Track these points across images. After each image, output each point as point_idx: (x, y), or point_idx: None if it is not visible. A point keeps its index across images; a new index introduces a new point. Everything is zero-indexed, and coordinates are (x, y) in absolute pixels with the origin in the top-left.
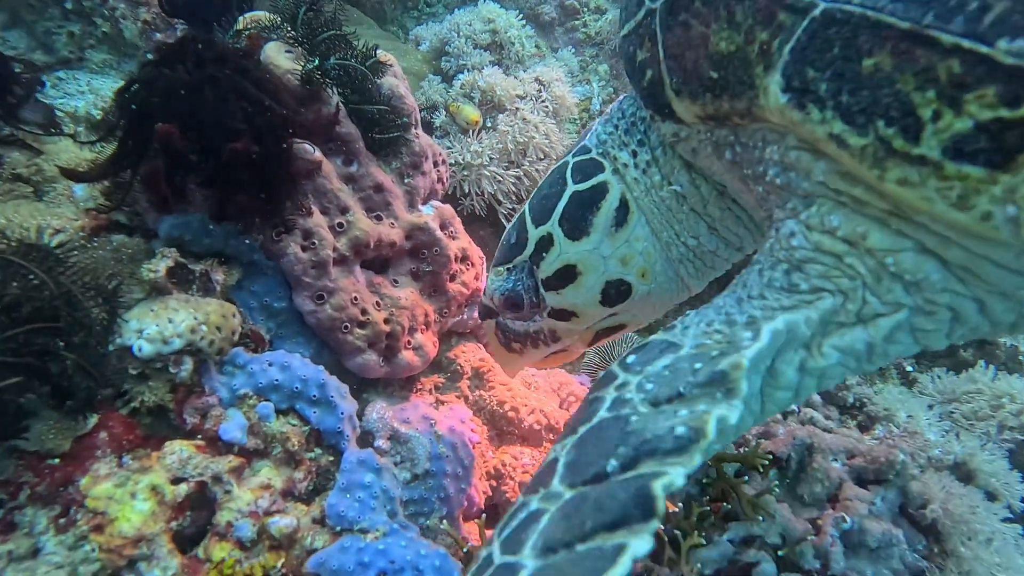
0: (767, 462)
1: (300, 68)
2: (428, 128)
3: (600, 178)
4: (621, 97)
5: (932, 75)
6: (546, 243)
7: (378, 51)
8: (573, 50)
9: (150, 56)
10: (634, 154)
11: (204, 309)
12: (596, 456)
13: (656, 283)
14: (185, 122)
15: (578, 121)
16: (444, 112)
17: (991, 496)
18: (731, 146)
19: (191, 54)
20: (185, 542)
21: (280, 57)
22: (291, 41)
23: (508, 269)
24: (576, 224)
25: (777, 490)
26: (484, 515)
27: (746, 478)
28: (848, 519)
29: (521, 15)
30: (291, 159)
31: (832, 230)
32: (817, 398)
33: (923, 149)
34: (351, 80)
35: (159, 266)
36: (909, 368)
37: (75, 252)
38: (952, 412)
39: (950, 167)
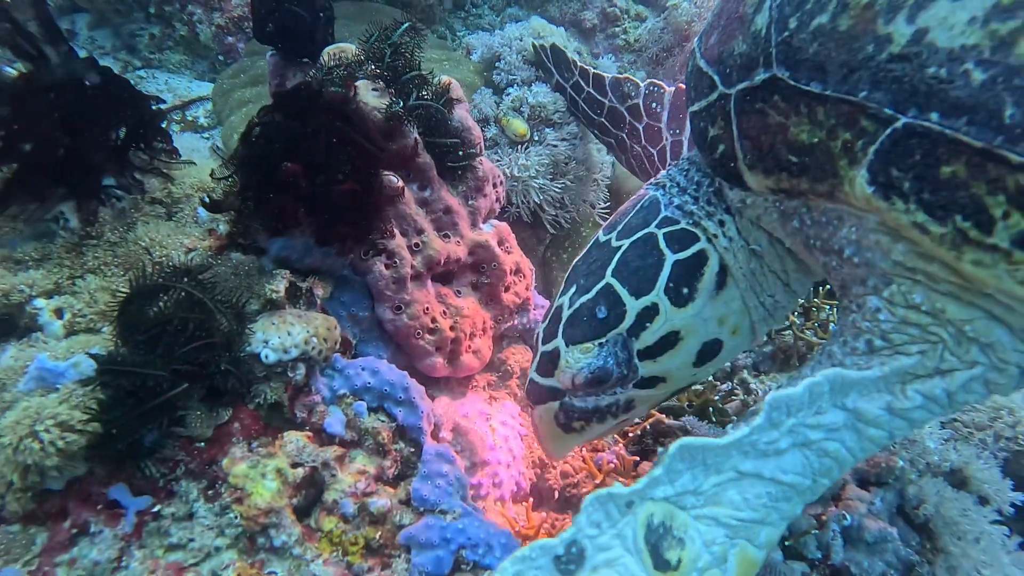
0: None
1: (385, 106)
2: None
3: (699, 246)
4: (675, 170)
5: (1001, 184)
6: (650, 313)
7: (451, 88)
8: (612, 57)
9: (269, 102)
10: (721, 223)
11: (314, 323)
12: None
13: (741, 337)
14: (302, 163)
15: None
16: (495, 124)
17: (983, 500)
18: (800, 216)
19: (302, 102)
20: (300, 515)
21: (368, 95)
22: (377, 79)
23: (600, 344)
24: (681, 292)
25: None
26: (531, 499)
27: None
28: (848, 516)
29: (565, 30)
30: (380, 190)
31: (916, 306)
32: None
33: (995, 240)
34: (429, 117)
35: (279, 286)
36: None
37: (211, 271)
38: (954, 421)
39: (1018, 254)
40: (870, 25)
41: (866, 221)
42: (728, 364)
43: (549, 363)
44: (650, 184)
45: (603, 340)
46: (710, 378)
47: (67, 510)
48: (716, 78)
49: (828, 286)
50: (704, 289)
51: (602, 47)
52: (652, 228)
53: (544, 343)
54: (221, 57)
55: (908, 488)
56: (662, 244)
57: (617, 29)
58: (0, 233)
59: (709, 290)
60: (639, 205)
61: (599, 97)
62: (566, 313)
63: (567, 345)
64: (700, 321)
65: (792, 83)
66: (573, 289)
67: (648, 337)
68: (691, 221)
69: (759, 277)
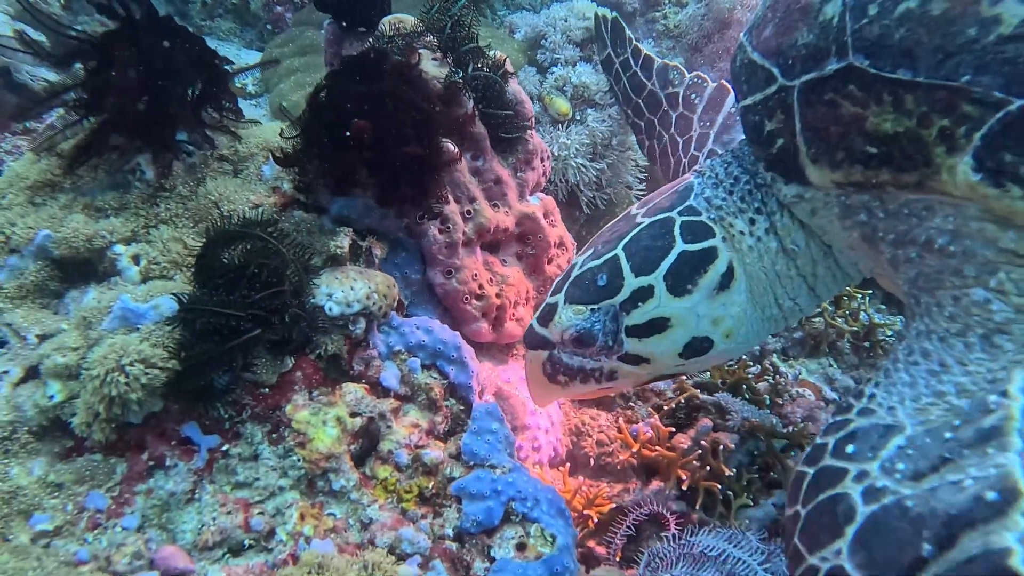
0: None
1: (445, 76)
2: None
3: (711, 243)
4: (717, 162)
5: None
6: (645, 293)
7: (506, 62)
8: (652, 42)
9: (334, 66)
10: (751, 222)
11: (375, 280)
12: (897, 550)
13: (735, 343)
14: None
15: None
16: (538, 102)
17: None
18: (869, 209)
19: (369, 67)
20: (356, 463)
21: (428, 64)
22: (436, 49)
23: (592, 309)
24: (680, 282)
25: None
26: (567, 464)
27: (792, 453)
28: None
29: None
30: (440, 155)
31: None
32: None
33: None
34: (486, 88)
35: (344, 243)
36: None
37: (280, 225)
38: None
39: None
40: (971, 7)
41: (966, 209)
42: (757, 347)
43: (547, 314)
44: (694, 170)
45: (596, 306)
46: (743, 357)
47: (145, 443)
48: (775, 70)
49: None
50: (704, 286)
51: (641, 31)
52: (673, 213)
53: (551, 294)
54: (269, 27)
55: None
56: (676, 231)
57: (658, 14)
58: (82, 182)
59: (709, 288)
60: (675, 188)
61: (643, 79)
62: (575, 272)
63: (565, 302)
64: (693, 316)
65: (873, 71)
66: (590, 252)
67: (638, 316)
68: (714, 216)
69: (783, 280)
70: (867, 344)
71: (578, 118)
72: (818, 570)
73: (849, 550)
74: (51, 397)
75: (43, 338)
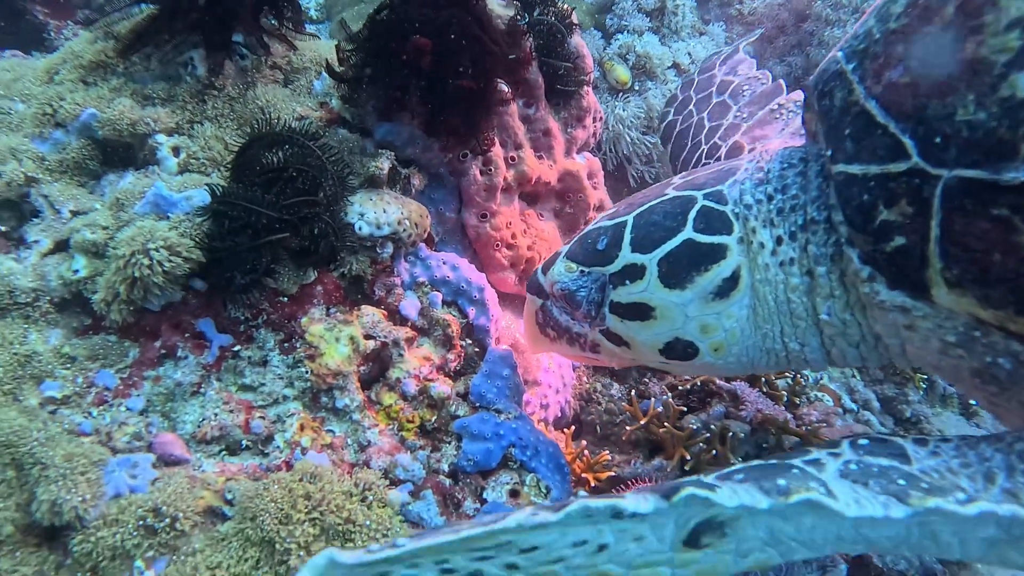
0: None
1: (510, 16)
2: None
3: (723, 239)
4: (781, 156)
5: None
6: (636, 272)
7: (572, 13)
8: (723, 25)
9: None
10: (779, 240)
11: (408, 207)
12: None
13: (724, 361)
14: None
15: None
16: (598, 68)
17: None
18: (1013, 355)
19: None
20: (363, 385)
21: (495, 3)
22: None
23: (582, 271)
24: (675, 273)
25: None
26: (572, 427)
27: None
28: None
29: None
30: (493, 94)
31: None
32: (877, 405)
33: None
34: (548, 35)
35: (384, 165)
36: (972, 401)
37: (323, 139)
38: None
39: None
40: None
41: None
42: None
43: (550, 262)
44: (751, 156)
45: (587, 269)
46: None
47: (159, 331)
48: (909, 143)
49: None
50: (701, 285)
51: (714, 14)
52: (699, 193)
53: (566, 244)
54: None
55: None
56: (692, 214)
57: None
58: (135, 69)
59: (706, 289)
60: (721, 167)
61: (718, 65)
62: (589, 227)
63: (563, 256)
64: (680, 314)
65: None
66: (613, 210)
67: (623, 294)
68: (740, 212)
69: (796, 319)
70: None
71: (636, 88)
72: None
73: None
74: (76, 271)
75: (76, 214)
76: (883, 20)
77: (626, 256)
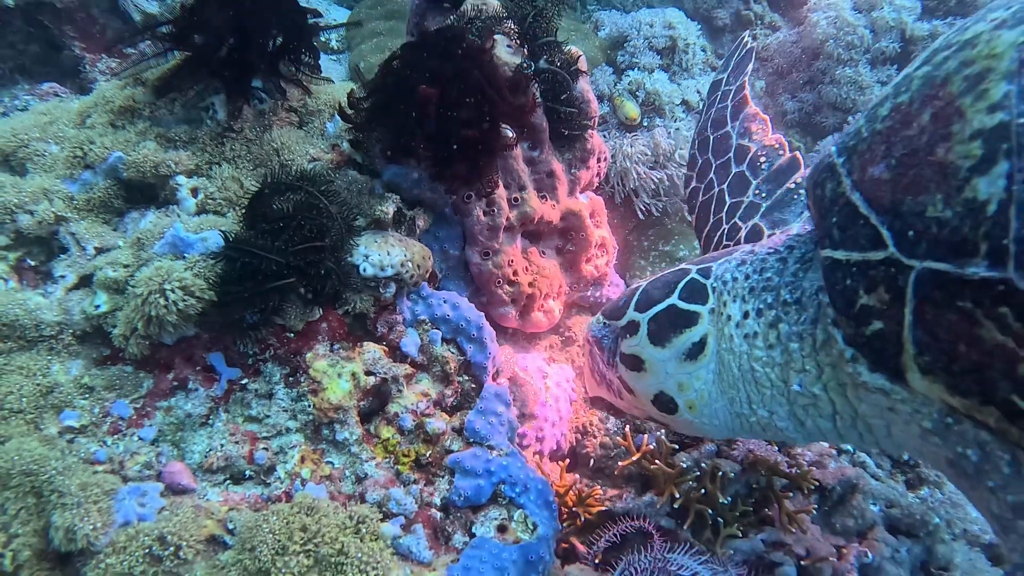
0: (813, 487)
1: (516, 64)
2: None
3: (696, 308)
4: (773, 242)
5: None
6: (634, 328)
7: (579, 60)
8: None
9: (414, 36)
10: (745, 315)
11: (412, 249)
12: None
13: (700, 420)
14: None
15: None
16: (608, 103)
17: None
18: (963, 441)
19: (444, 44)
20: (363, 419)
21: (503, 50)
22: (514, 36)
23: (605, 323)
24: (659, 333)
25: (815, 512)
26: (567, 460)
27: (791, 494)
28: (871, 555)
29: (700, 26)
30: (497, 141)
31: None
32: None
33: None
34: (554, 83)
35: (389, 209)
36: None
37: (332, 181)
38: None
39: None
40: None
41: None
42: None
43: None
44: (762, 242)
45: (608, 322)
46: None
47: (172, 364)
48: (886, 234)
49: None
50: (676, 345)
51: (727, 48)
52: (693, 268)
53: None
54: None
55: (938, 547)
56: (680, 285)
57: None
58: (160, 113)
59: (679, 351)
60: (731, 249)
61: (729, 118)
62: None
63: (603, 312)
64: (663, 370)
65: None
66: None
67: (626, 346)
68: (715, 286)
69: (760, 387)
70: None
71: (645, 124)
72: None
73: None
74: (97, 307)
75: (100, 251)
76: (871, 120)
77: (630, 314)
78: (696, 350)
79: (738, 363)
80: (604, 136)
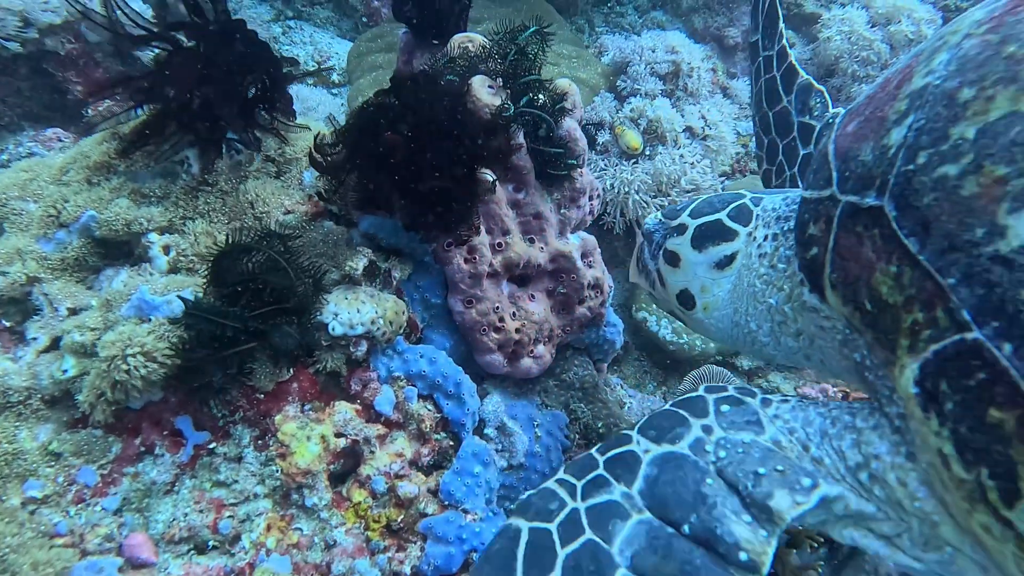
0: (821, 540)
1: (496, 106)
2: (591, 144)
3: (737, 227)
4: (799, 195)
5: None
6: (681, 230)
7: (566, 97)
8: (748, 80)
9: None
10: (766, 238)
11: (384, 305)
12: (675, 502)
13: (709, 321)
14: (405, 146)
15: (734, 158)
16: (609, 131)
17: None
18: (859, 350)
19: (419, 90)
20: (335, 480)
21: (483, 91)
22: (496, 76)
23: (661, 221)
24: (700, 239)
25: (821, 568)
26: None
27: (796, 550)
28: None
29: (708, 47)
30: (474, 187)
31: (913, 494)
32: None
33: (1013, 517)
34: (536, 125)
35: (359, 265)
36: None
37: (299, 237)
38: None
39: None
40: (991, 205)
41: (912, 416)
42: None
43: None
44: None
45: (663, 220)
46: None
47: (140, 429)
48: (835, 175)
49: None
50: (712, 253)
51: (740, 67)
52: (748, 194)
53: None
54: (365, 19)
55: None
56: (732, 205)
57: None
58: (135, 167)
59: (712, 258)
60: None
61: (782, 91)
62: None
63: (662, 209)
64: (693, 271)
65: (894, 226)
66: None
67: (670, 243)
68: (758, 212)
69: (756, 300)
70: None
71: (648, 153)
72: (639, 458)
73: (655, 459)
74: (65, 371)
75: (73, 311)
76: (870, 88)
77: (683, 217)
78: (725, 262)
79: (748, 278)
80: (604, 165)
